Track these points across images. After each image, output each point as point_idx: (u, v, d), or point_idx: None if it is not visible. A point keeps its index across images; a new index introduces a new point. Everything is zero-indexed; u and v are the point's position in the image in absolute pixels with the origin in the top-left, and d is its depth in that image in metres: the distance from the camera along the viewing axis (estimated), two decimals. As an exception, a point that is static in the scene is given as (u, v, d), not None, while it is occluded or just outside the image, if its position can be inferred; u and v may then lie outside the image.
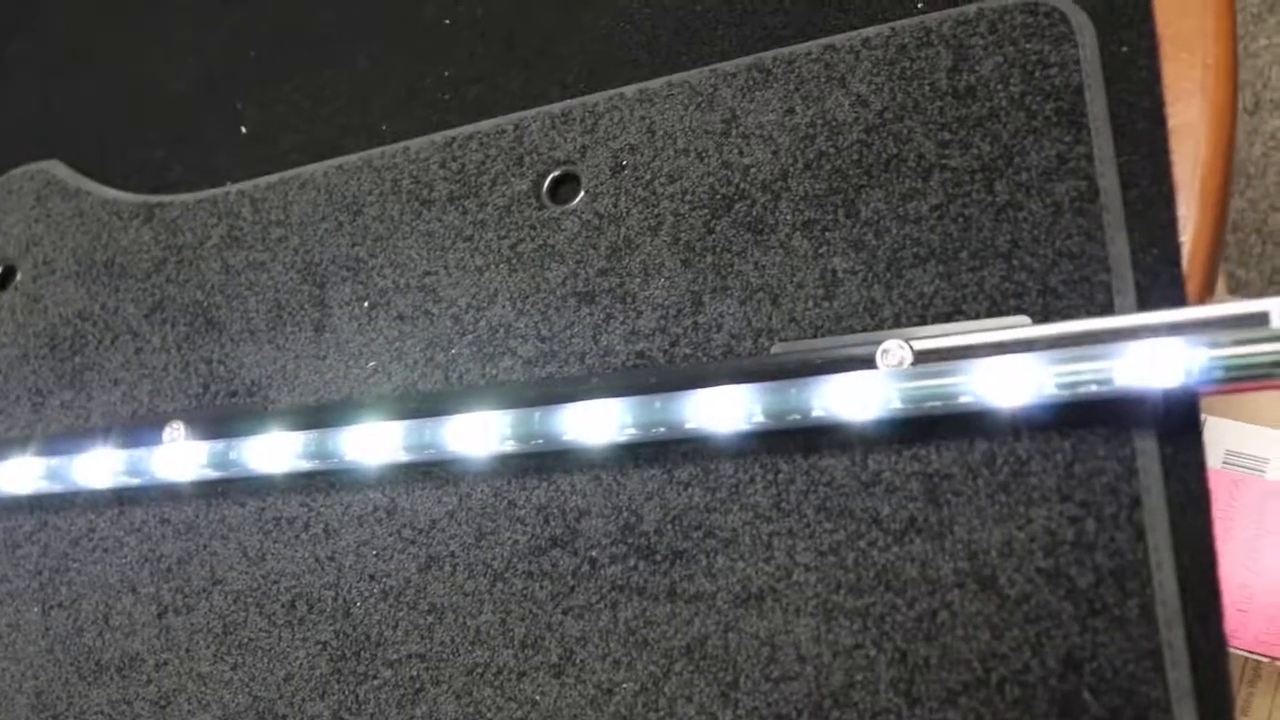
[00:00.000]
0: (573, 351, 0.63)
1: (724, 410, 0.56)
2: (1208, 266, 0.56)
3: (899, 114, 0.60)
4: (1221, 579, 0.50)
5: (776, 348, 0.58)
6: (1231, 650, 0.75)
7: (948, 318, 0.56)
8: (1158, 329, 0.51)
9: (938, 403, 0.53)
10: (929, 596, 0.53)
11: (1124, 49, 0.58)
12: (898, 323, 0.57)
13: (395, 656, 0.62)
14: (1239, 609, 0.72)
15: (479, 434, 0.61)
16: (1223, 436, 0.78)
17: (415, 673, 0.61)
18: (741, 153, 0.62)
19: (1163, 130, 0.56)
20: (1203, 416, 0.52)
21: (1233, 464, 0.78)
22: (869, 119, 0.60)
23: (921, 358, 0.55)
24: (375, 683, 0.62)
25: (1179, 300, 0.54)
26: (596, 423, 0.59)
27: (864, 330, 0.57)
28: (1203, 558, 0.51)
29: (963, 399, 0.53)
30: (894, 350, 0.55)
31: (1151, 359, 0.50)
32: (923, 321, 0.57)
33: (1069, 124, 0.57)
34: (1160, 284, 0.54)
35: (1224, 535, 0.77)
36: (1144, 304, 0.54)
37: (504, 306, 0.65)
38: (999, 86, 0.58)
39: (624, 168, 0.65)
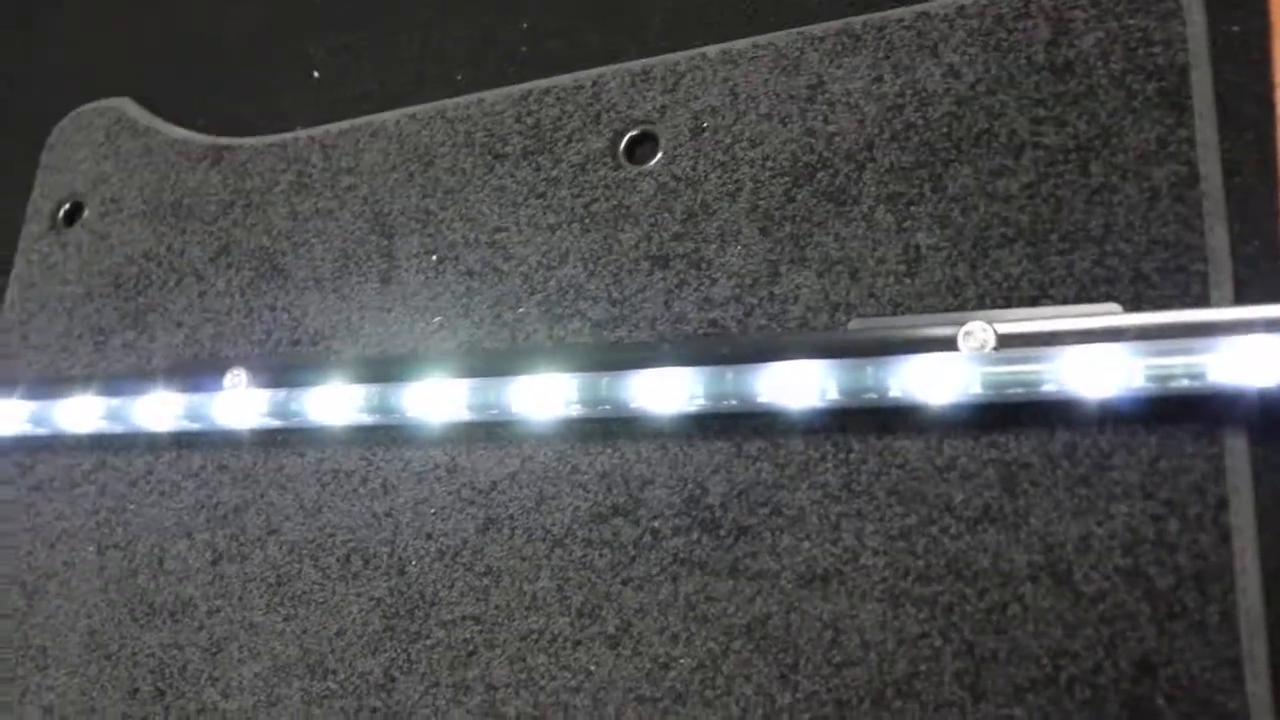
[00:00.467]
0: (644, 316, 0.61)
1: (797, 385, 0.55)
2: (1310, 261, 0.54)
3: (992, 87, 0.58)
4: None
5: (854, 323, 0.57)
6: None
7: (1034, 302, 0.54)
8: (1255, 324, 0.49)
9: (1020, 389, 0.51)
10: (1000, 588, 0.52)
11: (1234, 28, 0.55)
12: (981, 304, 0.55)
13: (449, 617, 0.61)
14: None
15: (544, 396, 0.59)
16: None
17: (469, 635, 0.60)
18: (826, 120, 0.60)
19: (1271, 115, 0.54)
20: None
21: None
22: (960, 91, 0.58)
23: (1005, 341, 0.53)
24: (428, 642, 0.61)
25: (1278, 293, 0.52)
26: (665, 391, 0.57)
27: (946, 310, 0.56)
28: (1290, 564, 0.49)
29: (1046, 387, 0.51)
30: (977, 332, 0.53)
31: (1247, 355, 0.48)
32: (1008, 304, 0.55)
33: (1171, 105, 0.54)
34: (1260, 277, 0.52)
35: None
36: (1241, 297, 0.52)
37: (575, 267, 0.64)
38: (1099, 63, 0.56)
39: (704, 130, 0.63)
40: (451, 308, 0.66)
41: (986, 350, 0.53)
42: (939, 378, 0.53)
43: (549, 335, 0.63)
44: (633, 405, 0.58)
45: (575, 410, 0.59)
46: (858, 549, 0.55)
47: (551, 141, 0.66)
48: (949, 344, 0.54)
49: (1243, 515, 0.49)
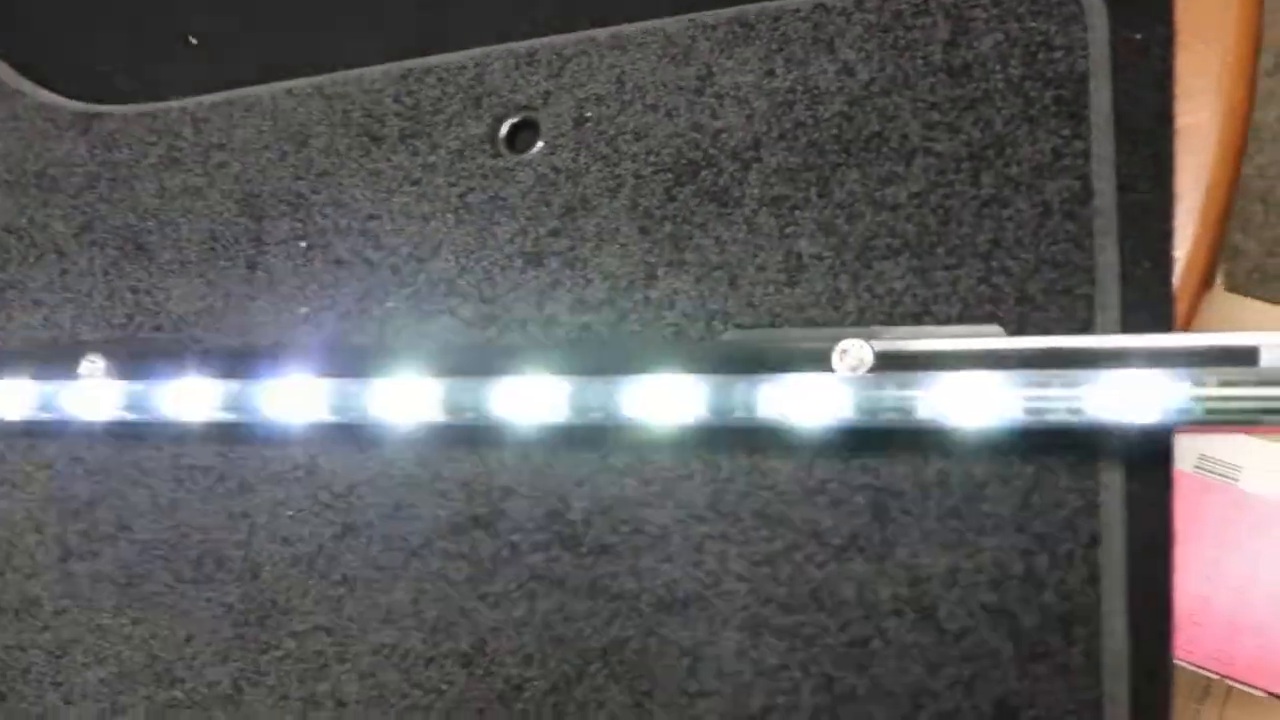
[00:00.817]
0: (515, 317, 0.58)
1: (666, 399, 0.52)
2: (1200, 285, 0.51)
3: (886, 88, 0.55)
4: (1173, 632, 0.46)
5: (729, 334, 0.54)
6: (1182, 664, 0.71)
7: (916, 318, 0.52)
8: (1138, 355, 0.47)
9: (893, 415, 0.49)
10: (863, 621, 0.49)
11: (1137, 36, 0.53)
12: (861, 318, 0.52)
13: (301, 627, 0.58)
14: (1194, 621, 0.69)
15: (407, 400, 0.56)
16: (1197, 439, 0.73)
17: (320, 647, 0.58)
18: (714, 114, 0.57)
19: (1169, 131, 0.51)
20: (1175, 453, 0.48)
21: (1204, 469, 0.73)
22: (854, 90, 0.55)
23: (882, 361, 0.50)
24: (278, 653, 0.58)
25: (1166, 321, 0.49)
26: (531, 400, 0.54)
27: (825, 323, 0.53)
28: (1158, 608, 0.47)
29: (921, 413, 0.48)
30: (854, 351, 0.50)
31: (1128, 390, 0.46)
32: (889, 320, 0.52)
33: (1068, 116, 0.52)
34: (1148, 302, 0.49)
35: (1187, 542, 0.73)
36: (1128, 323, 0.49)
37: (447, 260, 0.60)
38: (997, 67, 0.53)
39: (587, 119, 0.60)
40: (318, 298, 0.62)
41: (862, 370, 0.50)
42: (812, 398, 0.50)
43: (417, 332, 0.60)
44: (496, 413, 0.55)
45: (438, 416, 0.56)
46: (720, 573, 0.52)
47: (430, 125, 0.63)
48: (824, 361, 0.51)
49: (1112, 555, 0.47)
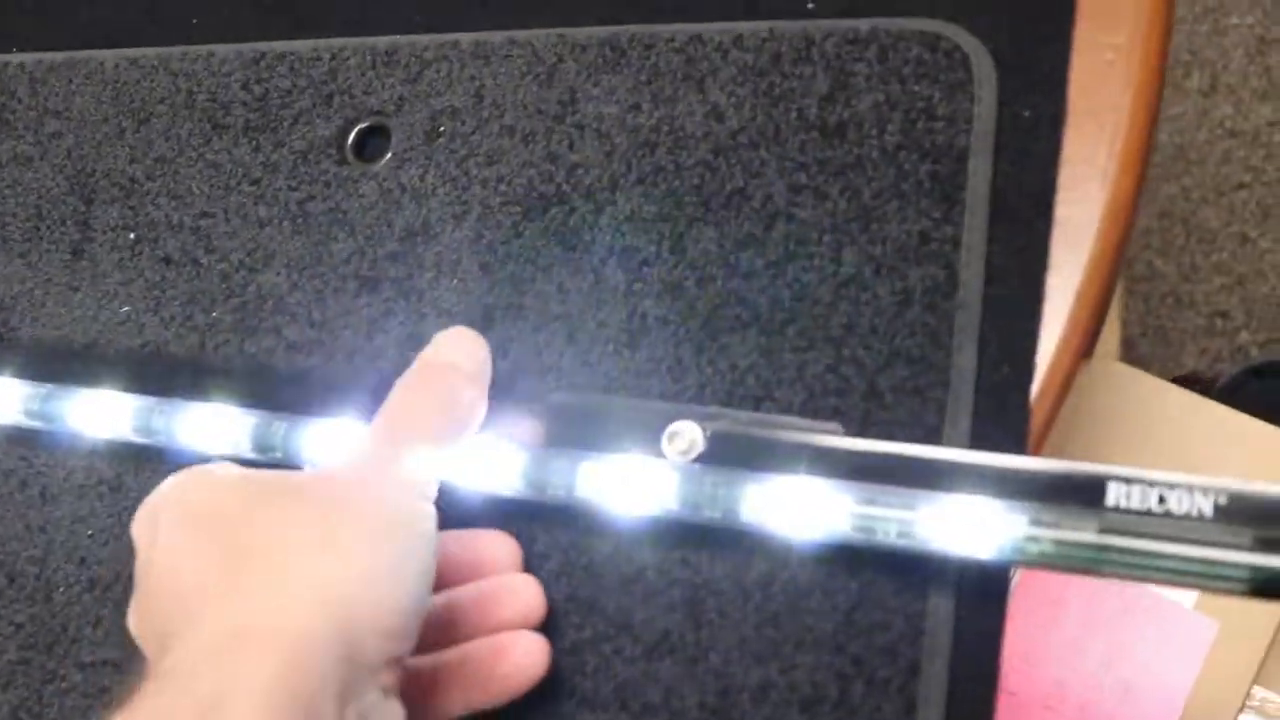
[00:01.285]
0: (342, 345, 0.54)
1: (482, 465, 0.48)
2: (1060, 392, 0.48)
3: (755, 140, 0.50)
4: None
5: (556, 396, 0.50)
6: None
7: (757, 401, 0.48)
8: (981, 477, 0.43)
9: (717, 513, 0.45)
10: (667, 729, 0.46)
11: (1026, 113, 0.48)
12: (701, 394, 0.49)
13: (89, 659, 0.54)
14: (1046, 706, 0.66)
15: (216, 431, 0.52)
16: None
17: (107, 683, 0.54)
18: (572, 146, 0.53)
19: (1047, 221, 0.47)
20: (1014, 578, 0.45)
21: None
22: (720, 138, 0.51)
23: (714, 447, 0.46)
24: (62, 684, 0.55)
25: (1019, 431, 0.46)
26: (339, 446, 0.50)
27: (662, 395, 0.49)
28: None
29: (745, 515, 0.45)
30: (685, 433, 0.46)
31: (962, 520, 0.42)
32: (729, 399, 0.48)
33: (942, 196, 0.48)
34: (1002, 412, 0.46)
35: (1053, 621, 0.70)
36: (977, 433, 0.46)
37: (278, 274, 0.56)
38: (873, 132, 0.49)
39: (440, 134, 0.55)
40: (143, 298, 0.58)
41: (692, 455, 0.46)
42: (634, 482, 0.46)
43: (239, 350, 0.56)
44: (304, 455, 0.51)
45: (246, 452, 0.52)
46: (526, 657, 0.48)
47: (277, 120, 0.58)
48: (654, 440, 0.47)
49: (933, 687, 0.44)
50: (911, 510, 0.42)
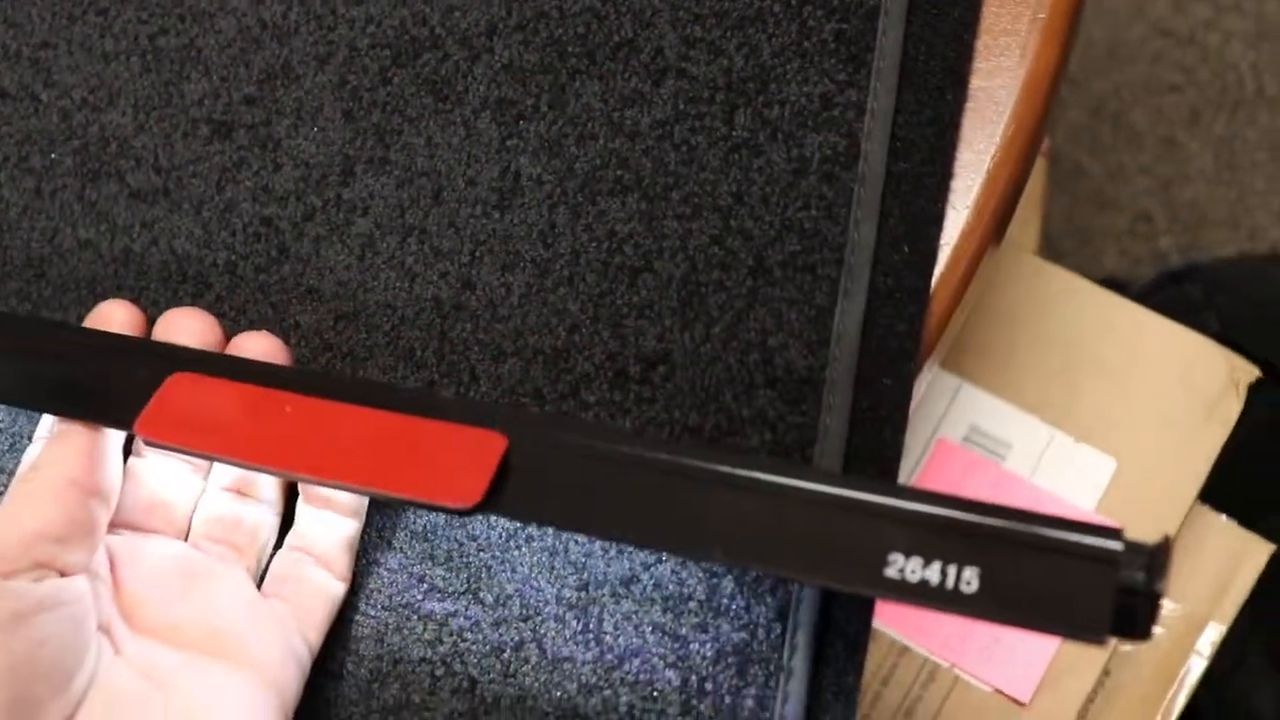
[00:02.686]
0: (189, 195, 0.49)
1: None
2: (964, 278, 0.44)
3: (648, -14, 0.46)
4: None
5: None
6: (912, 646, 0.66)
7: (634, 273, 0.44)
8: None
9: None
10: (520, 622, 0.43)
11: (944, -30, 0.44)
12: (575, 261, 0.44)
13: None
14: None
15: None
16: (973, 408, 0.68)
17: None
18: (450, -14, 0.48)
19: (961, 93, 0.43)
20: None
21: (974, 443, 0.68)
22: (611, -17, 0.46)
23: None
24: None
25: (916, 319, 0.42)
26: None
27: (533, 262, 0.45)
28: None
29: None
30: None
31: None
32: (604, 268, 0.44)
33: (847, 57, 0.43)
34: (900, 296, 0.42)
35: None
36: (871, 317, 0.42)
37: (124, 114, 0.51)
38: (777, -18, 0.44)
39: (308, -33, 0.50)
40: (-27, 136, 0.52)
41: None
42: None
43: (79, 195, 0.50)
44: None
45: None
46: (373, 539, 0.45)
47: (129, -57, 0.52)
48: None
49: (808, 590, 0.41)
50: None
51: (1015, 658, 0.65)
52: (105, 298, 0.48)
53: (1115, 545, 0.31)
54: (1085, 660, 0.67)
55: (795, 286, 0.42)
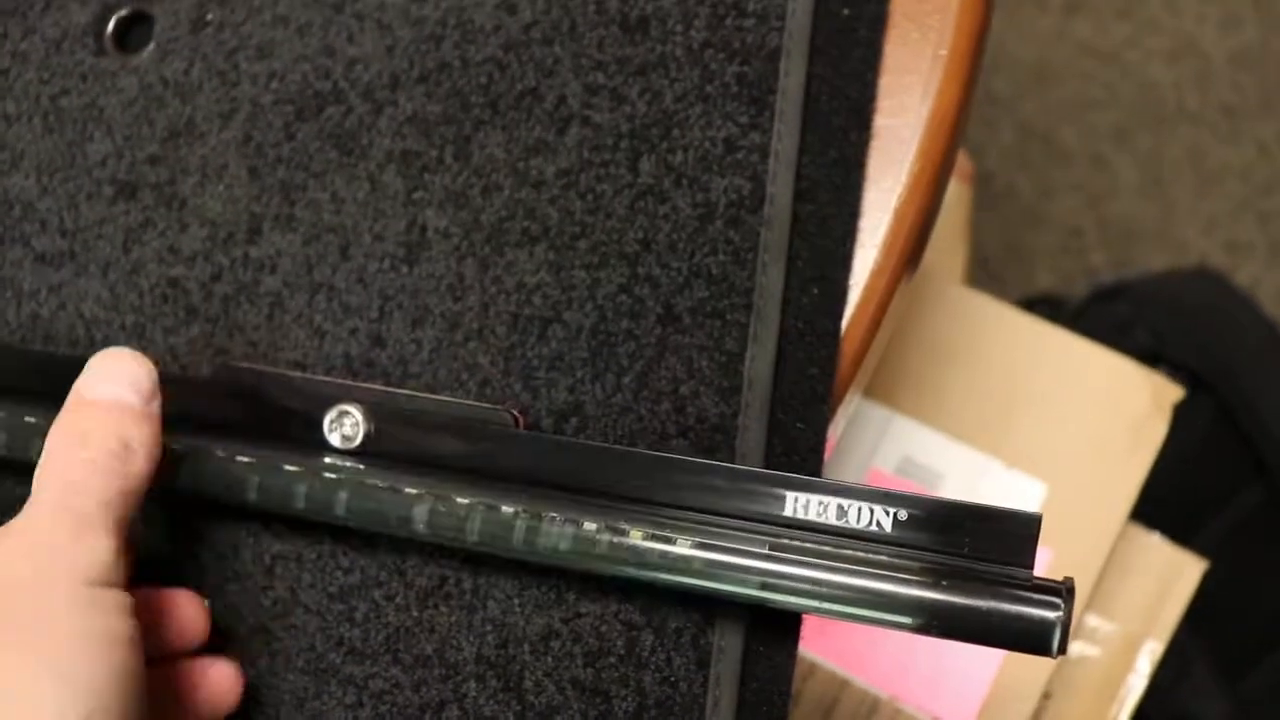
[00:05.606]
0: (95, 258, 0.49)
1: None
2: (875, 316, 0.44)
3: (549, 35, 0.45)
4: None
5: (209, 371, 0.46)
6: (854, 680, 0.66)
7: (544, 324, 0.44)
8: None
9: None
10: (440, 683, 0.42)
11: (845, 11, 0.44)
12: (485, 313, 0.44)
13: None
14: (870, 639, 0.64)
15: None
16: (904, 439, 0.68)
17: None
18: (351, 38, 0.47)
19: (865, 133, 0.43)
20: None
21: (907, 473, 0.68)
22: (513, 33, 0.46)
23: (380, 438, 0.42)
24: None
25: (828, 361, 0.42)
26: None
27: (442, 315, 0.44)
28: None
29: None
30: (352, 416, 0.42)
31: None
32: (515, 319, 0.44)
33: (750, 100, 0.43)
34: (811, 338, 0.42)
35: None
36: (784, 360, 0.42)
37: (27, 177, 0.50)
38: (678, 28, 0.44)
39: (208, 24, 0.49)
40: (-127, 202, 0.51)
41: (356, 442, 0.42)
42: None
43: (-18, 261, 0.50)
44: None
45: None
46: (290, 603, 0.44)
47: (27, 3, 0.52)
48: (315, 419, 0.43)
49: (729, 639, 0.40)
50: (575, 525, 0.39)
51: (955, 686, 0.65)
52: (11, 365, 0.47)
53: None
54: (1025, 684, 0.67)
55: (705, 333, 0.42)
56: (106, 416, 0.40)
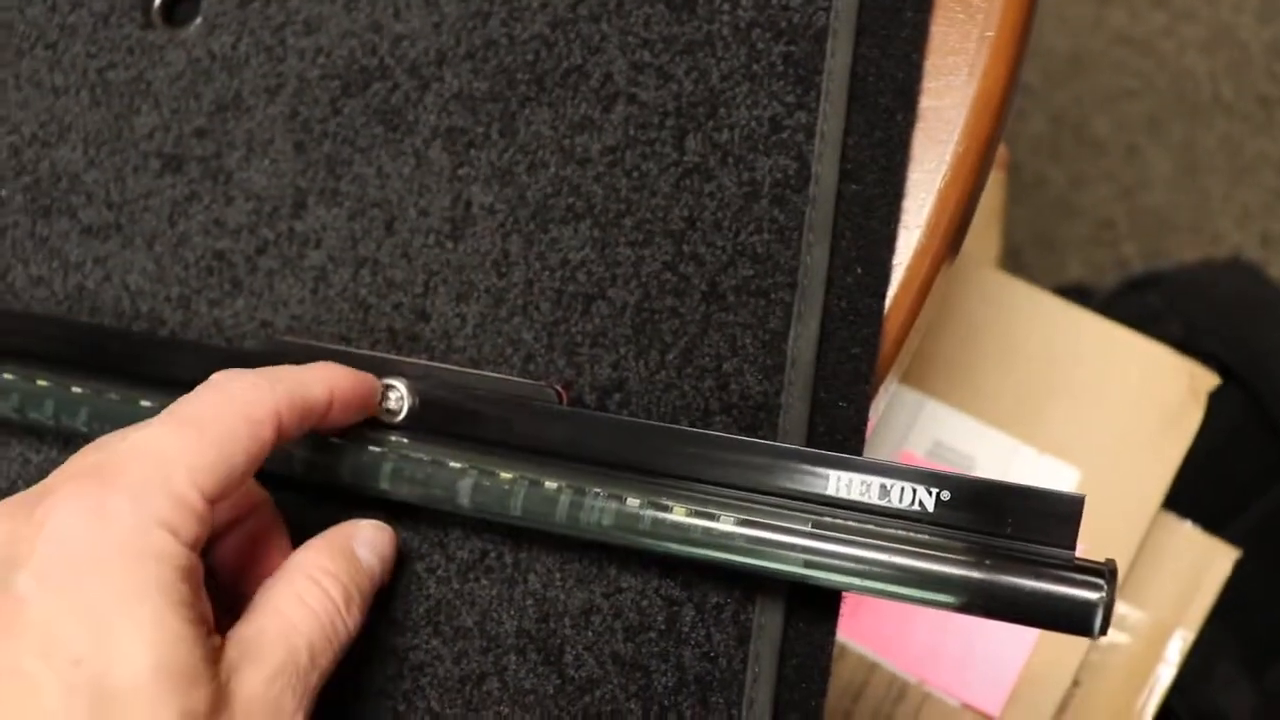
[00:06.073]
0: (141, 230, 0.49)
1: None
2: (918, 298, 0.44)
3: (596, 12, 0.46)
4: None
5: (251, 343, 0.46)
6: (882, 664, 0.66)
7: (588, 300, 0.44)
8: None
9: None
10: (480, 655, 0.43)
11: (890, -9, 0.44)
12: (529, 289, 0.44)
13: None
14: (899, 625, 0.64)
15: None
16: (936, 423, 0.68)
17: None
18: (398, 15, 0.48)
19: (911, 114, 0.43)
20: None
21: (939, 457, 0.68)
22: (560, 10, 0.46)
23: (425, 412, 0.43)
24: None
25: (871, 341, 0.42)
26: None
27: (486, 291, 0.45)
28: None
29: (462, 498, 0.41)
30: (399, 389, 0.43)
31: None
32: (558, 296, 0.44)
33: (796, 79, 0.43)
34: (854, 318, 0.42)
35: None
36: (826, 340, 0.42)
37: (74, 149, 0.50)
38: (725, 6, 0.44)
39: (256, -2, 0.50)
40: (-78, 173, 0.52)
41: (401, 416, 0.42)
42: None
43: (30, 232, 0.50)
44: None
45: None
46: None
47: (76, -24, 0.52)
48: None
49: (769, 615, 0.40)
50: (618, 501, 0.39)
51: (984, 672, 0.65)
52: (57, 334, 0.48)
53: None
54: (1054, 671, 0.67)
55: (749, 311, 0.42)
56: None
